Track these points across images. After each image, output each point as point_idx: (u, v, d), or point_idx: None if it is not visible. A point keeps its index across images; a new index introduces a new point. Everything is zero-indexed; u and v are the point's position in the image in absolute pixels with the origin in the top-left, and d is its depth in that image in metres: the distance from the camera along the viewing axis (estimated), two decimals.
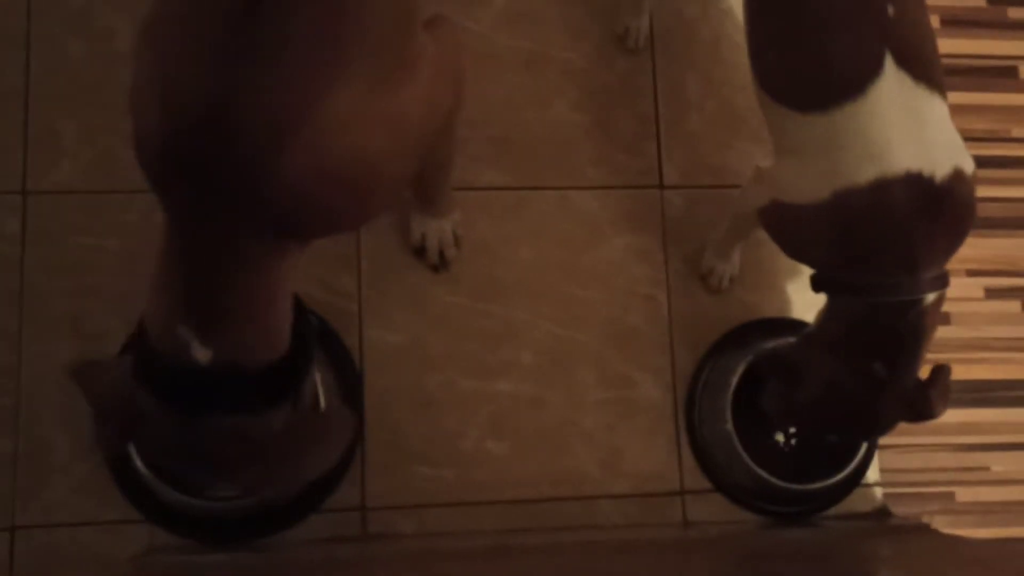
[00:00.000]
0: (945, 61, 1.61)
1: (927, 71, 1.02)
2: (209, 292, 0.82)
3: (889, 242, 1.01)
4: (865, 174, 1.00)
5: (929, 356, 1.13)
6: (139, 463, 1.29)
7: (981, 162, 1.60)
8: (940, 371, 1.12)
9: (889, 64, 1.00)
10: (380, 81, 0.81)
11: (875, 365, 1.07)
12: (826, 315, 1.13)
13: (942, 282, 1.04)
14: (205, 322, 0.83)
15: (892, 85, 1.00)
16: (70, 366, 0.92)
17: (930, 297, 1.04)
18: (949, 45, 1.64)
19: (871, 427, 1.14)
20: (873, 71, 1.00)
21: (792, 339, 1.28)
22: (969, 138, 1.61)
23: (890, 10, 1.01)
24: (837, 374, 1.10)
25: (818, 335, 1.14)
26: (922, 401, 1.09)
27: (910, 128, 1.00)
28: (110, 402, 0.89)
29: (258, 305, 0.85)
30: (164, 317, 0.84)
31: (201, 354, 0.83)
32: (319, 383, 1.32)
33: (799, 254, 1.14)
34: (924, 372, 1.12)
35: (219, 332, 0.84)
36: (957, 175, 1.02)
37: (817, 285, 1.12)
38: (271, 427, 0.89)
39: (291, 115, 0.75)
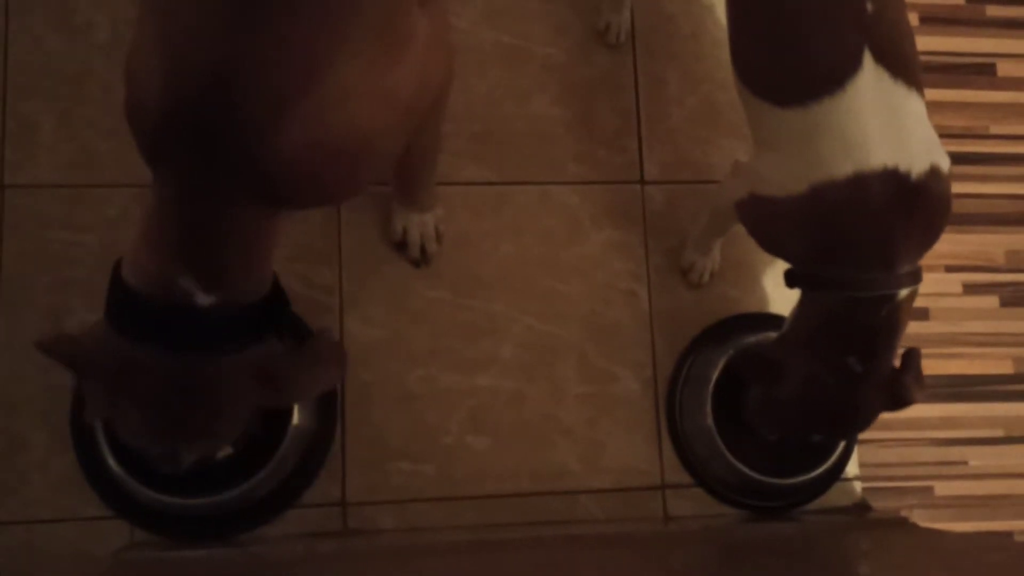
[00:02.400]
0: (924, 58, 1.63)
1: (905, 68, 1.03)
2: (208, 250, 0.85)
3: (865, 237, 1.02)
4: (842, 169, 1.00)
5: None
6: (111, 461, 1.28)
7: (959, 159, 1.62)
8: (911, 355, 1.13)
9: (868, 60, 1.01)
10: (378, 57, 0.83)
11: (850, 360, 1.08)
12: (800, 312, 1.14)
13: (916, 277, 1.05)
14: (206, 275, 0.86)
15: (870, 81, 1.01)
16: (39, 342, 0.90)
17: (904, 292, 1.04)
18: (928, 42, 1.65)
19: (852, 422, 1.14)
20: (852, 67, 1.01)
21: (771, 335, 1.30)
22: (947, 135, 1.63)
23: (869, 7, 1.02)
24: (814, 371, 1.11)
25: (793, 333, 1.15)
26: (899, 388, 1.10)
27: (887, 124, 1.01)
28: (92, 361, 0.89)
29: (252, 259, 0.89)
30: (160, 269, 0.86)
31: (204, 300, 0.86)
32: None
33: (775, 248, 1.15)
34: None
35: (220, 283, 0.87)
36: (933, 172, 1.02)
37: (792, 280, 1.12)
38: (270, 353, 0.93)
39: (292, 87, 0.77)
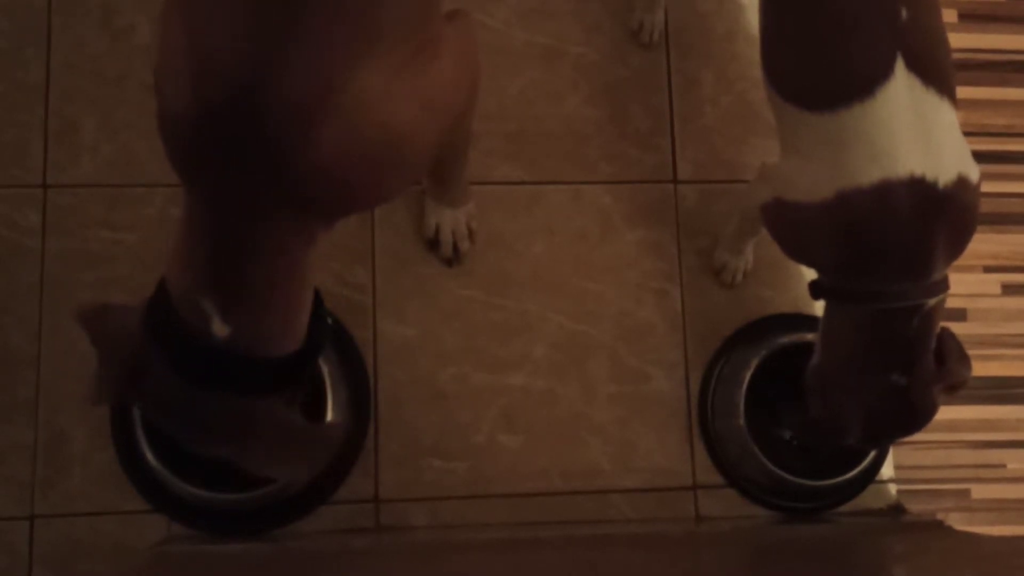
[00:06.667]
0: (963, 56, 1.61)
1: (938, 76, 1.01)
2: (235, 271, 0.83)
3: (891, 245, 1.01)
4: (869, 176, 0.99)
5: None
6: (150, 455, 1.31)
7: (998, 157, 1.60)
8: (945, 339, 1.11)
9: (899, 67, 0.99)
10: (406, 61, 0.83)
11: (893, 377, 1.07)
12: (829, 331, 1.12)
13: (945, 285, 1.04)
14: (228, 300, 0.84)
15: (901, 88, 1.00)
16: (78, 308, 0.91)
17: (933, 301, 1.03)
18: (967, 40, 1.63)
19: (916, 424, 1.13)
20: (883, 74, 0.99)
21: (806, 336, 1.30)
22: (987, 133, 1.61)
23: (903, 13, 1.00)
24: (866, 404, 1.10)
25: (828, 362, 1.13)
26: (948, 375, 1.09)
27: (917, 132, 0.99)
28: (118, 348, 0.89)
29: (281, 290, 0.86)
30: (187, 286, 0.85)
31: (220, 330, 0.85)
32: (328, 385, 1.34)
33: (799, 254, 1.14)
34: None
35: (241, 313, 0.85)
36: (961, 182, 1.01)
37: (817, 292, 1.11)
38: (270, 415, 0.90)
39: (318, 92, 0.76)
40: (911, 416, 1.11)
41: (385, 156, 0.84)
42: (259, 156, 0.77)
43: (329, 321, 0.98)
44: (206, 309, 0.85)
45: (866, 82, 1.00)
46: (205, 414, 0.89)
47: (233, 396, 0.88)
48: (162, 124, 0.82)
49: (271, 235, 0.82)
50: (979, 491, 1.52)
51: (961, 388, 1.11)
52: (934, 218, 1.00)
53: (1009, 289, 1.57)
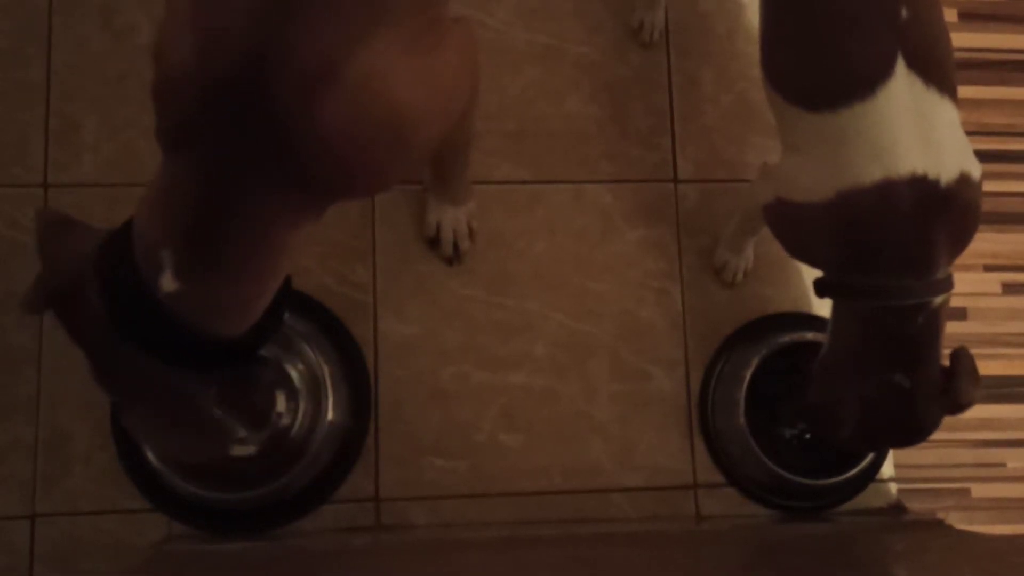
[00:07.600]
0: (963, 55, 1.62)
1: (938, 74, 1.01)
2: (209, 233, 0.81)
3: (893, 244, 1.01)
4: (870, 175, 0.99)
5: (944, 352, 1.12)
6: (151, 455, 1.31)
7: (999, 156, 1.60)
8: (960, 356, 1.10)
9: (900, 66, 1.00)
10: (411, 40, 0.82)
11: (897, 376, 1.06)
12: (835, 328, 1.12)
13: (949, 283, 1.04)
14: (190, 257, 0.82)
15: (902, 87, 1.00)
16: (42, 211, 0.89)
17: (938, 299, 1.03)
18: (967, 39, 1.63)
19: (917, 434, 1.12)
20: (884, 72, 1.00)
21: (806, 335, 1.29)
22: (987, 132, 1.61)
23: (903, 12, 1.00)
24: (867, 399, 1.09)
25: (833, 356, 1.13)
26: (955, 392, 1.08)
27: (918, 130, 0.99)
28: (61, 264, 0.87)
29: (248, 264, 0.84)
30: (152, 233, 0.83)
31: (168, 284, 0.82)
32: (328, 384, 1.34)
33: (802, 253, 1.14)
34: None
35: (197, 273, 0.83)
36: (963, 179, 1.01)
37: (822, 290, 1.11)
38: (184, 395, 0.88)
39: (324, 65, 0.76)
40: (910, 421, 1.10)
41: (387, 135, 0.83)
42: (262, 126, 0.77)
43: (285, 316, 0.95)
44: (162, 260, 0.82)
45: (867, 81, 1.00)
46: (121, 365, 0.86)
47: (155, 360, 0.85)
48: (159, 92, 0.81)
49: (258, 207, 0.81)
50: (979, 490, 1.52)
51: (966, 408, 1.09)
52: (936, 216, 1.00)
53: (1009, 288, 1.57)
